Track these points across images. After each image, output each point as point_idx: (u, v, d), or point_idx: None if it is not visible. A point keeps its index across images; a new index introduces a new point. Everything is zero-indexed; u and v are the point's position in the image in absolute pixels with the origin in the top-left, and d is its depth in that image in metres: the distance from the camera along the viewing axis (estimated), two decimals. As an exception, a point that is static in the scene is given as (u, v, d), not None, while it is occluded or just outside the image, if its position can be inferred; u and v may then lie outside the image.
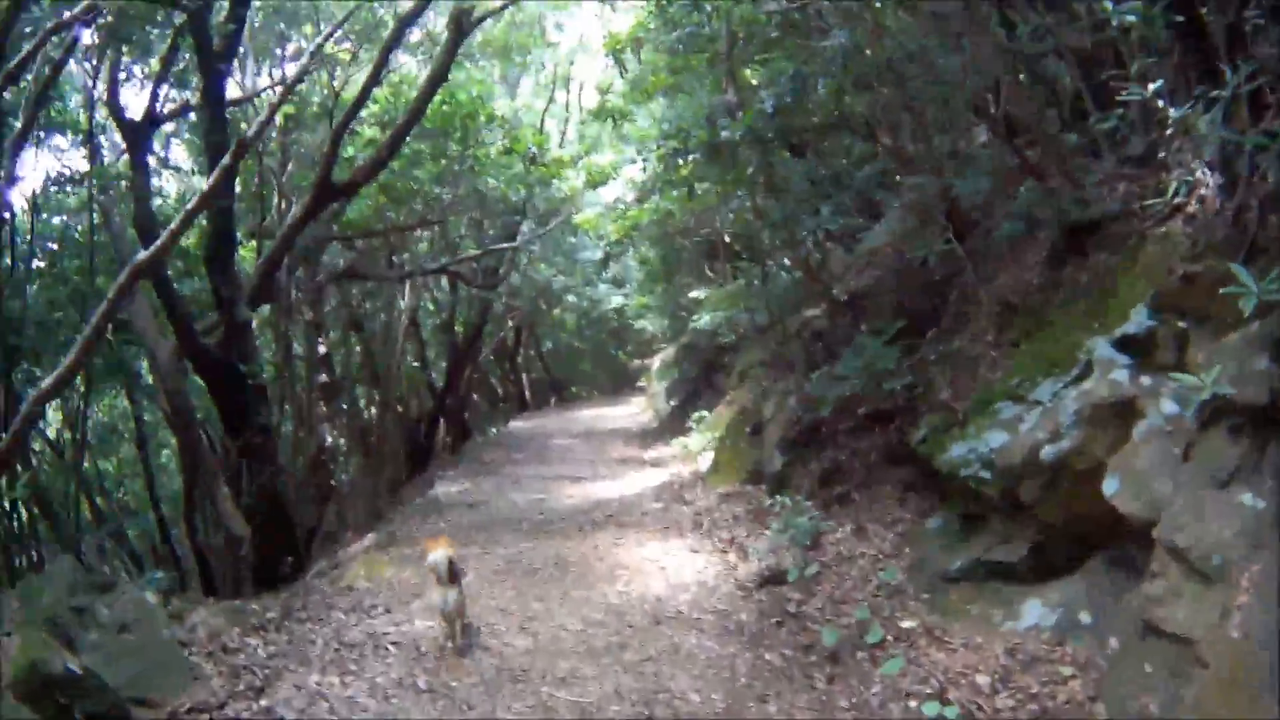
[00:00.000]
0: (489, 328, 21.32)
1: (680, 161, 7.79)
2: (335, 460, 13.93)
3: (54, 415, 13.81)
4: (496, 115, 11.33)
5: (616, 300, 27.57)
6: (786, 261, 12.85)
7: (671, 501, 10.00)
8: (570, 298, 24.79)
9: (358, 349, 16.69)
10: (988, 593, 5.76)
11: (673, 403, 19.73)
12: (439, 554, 5.80)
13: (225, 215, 8.76)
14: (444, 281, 18.93)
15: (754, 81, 9.52)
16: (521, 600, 6.81)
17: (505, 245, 15.27)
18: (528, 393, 29.87)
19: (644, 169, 9.20)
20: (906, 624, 5.59)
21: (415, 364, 18.68)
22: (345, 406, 15.76)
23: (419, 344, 19.14)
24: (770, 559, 6.97)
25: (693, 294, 13.75)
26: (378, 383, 15.42)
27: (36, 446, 12.66)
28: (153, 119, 9.62)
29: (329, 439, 13.50)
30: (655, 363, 26.05)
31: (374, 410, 16.47)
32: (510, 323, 24.39)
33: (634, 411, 23.60)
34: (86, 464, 12.84)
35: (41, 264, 11.67)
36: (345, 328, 15.80)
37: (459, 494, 11.63)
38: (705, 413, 13.05)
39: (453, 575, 5.76)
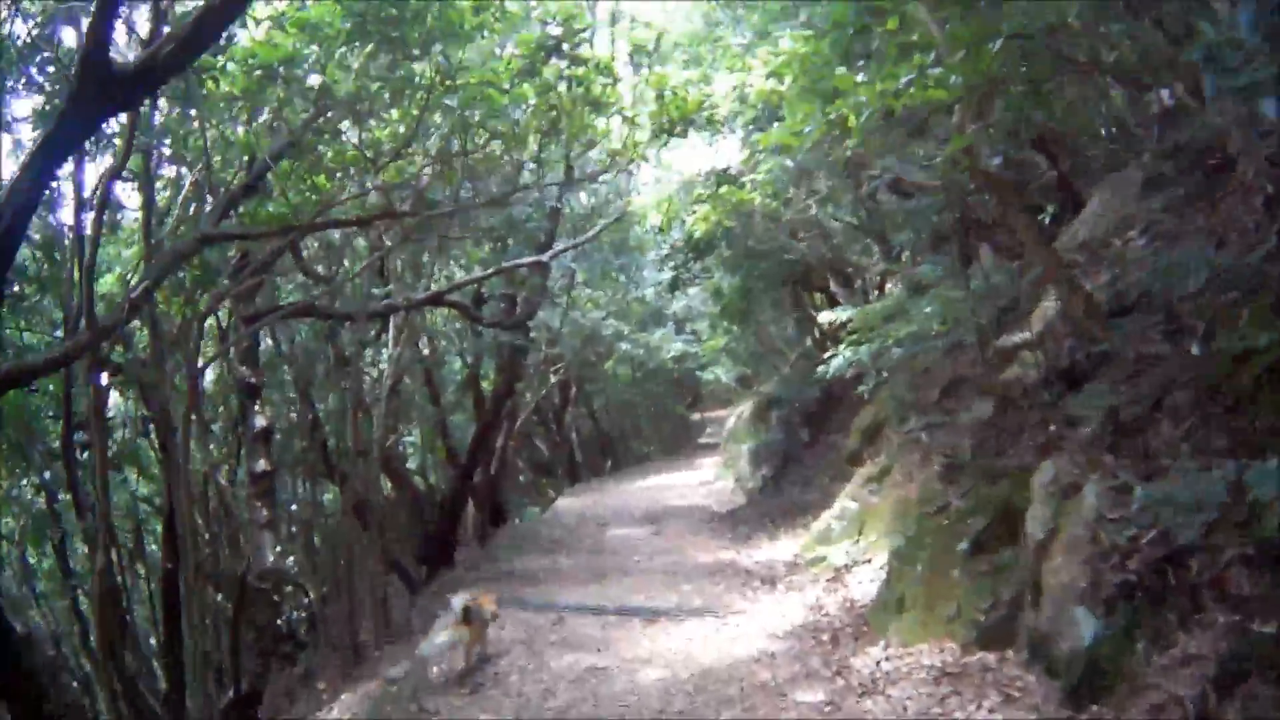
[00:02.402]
0: (524, 383, 16.91)
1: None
2: (281, 589, 9.46)
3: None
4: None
5: (677, 348, 23.20)
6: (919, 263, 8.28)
7: (836, 686, 5.42)
8: (624, 345, 20.32)
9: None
10: None
11: (763, 472, 15.22)
12: (459, 599, 6.74)
13: None
14: (468, 327, 14.67)
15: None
16: None
17: (527, 261, 10.61)
18: (579, 455, 25.44)
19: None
20: None
21: (413, 435, 14.23)
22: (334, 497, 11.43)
23: (437, 406, 14.89)
24: None
25: (824, 317, 9.11)
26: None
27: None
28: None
29: (270, 556, 9.10)
30: (731, 419, 21.56)
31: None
32: (553, 377, 20.00)
33: (707, 479, 19.10)
34: None
35: None
36: (308, 388, 11.39)
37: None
38: (850, 503, 8.39)
39: (467, 619, 6.49)
